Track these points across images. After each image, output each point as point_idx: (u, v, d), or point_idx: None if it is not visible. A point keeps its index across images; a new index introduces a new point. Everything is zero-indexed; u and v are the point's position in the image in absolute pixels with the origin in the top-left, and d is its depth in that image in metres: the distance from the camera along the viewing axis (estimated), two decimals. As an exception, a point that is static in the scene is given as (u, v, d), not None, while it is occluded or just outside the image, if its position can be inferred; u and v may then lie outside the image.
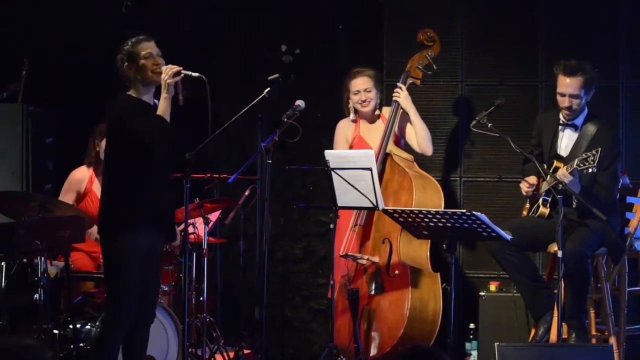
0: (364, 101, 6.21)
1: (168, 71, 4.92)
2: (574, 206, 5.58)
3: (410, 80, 6.24)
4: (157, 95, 5.08)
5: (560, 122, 5.80)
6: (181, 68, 4.95)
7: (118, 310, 5.01)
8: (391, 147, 6.11)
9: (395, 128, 6.17)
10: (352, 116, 6.29)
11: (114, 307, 5.04)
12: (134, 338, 5.15)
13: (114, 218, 5.02)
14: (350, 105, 6.28)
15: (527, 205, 5.91)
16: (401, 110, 6.16)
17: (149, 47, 5.00)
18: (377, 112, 6.25)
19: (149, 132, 4.90)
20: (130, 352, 5.16)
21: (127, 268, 4.97)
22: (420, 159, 6.24)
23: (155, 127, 4.91)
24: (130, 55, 4.99)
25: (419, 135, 6.13)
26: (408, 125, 6.20)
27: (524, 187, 5.80)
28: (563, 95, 5.70)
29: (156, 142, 4.92)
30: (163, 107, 4.94)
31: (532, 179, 5.78)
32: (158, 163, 4.98)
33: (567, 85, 5.67)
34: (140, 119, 4.92)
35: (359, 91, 6.21)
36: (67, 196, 6.24)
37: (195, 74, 4.95)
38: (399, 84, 6.19)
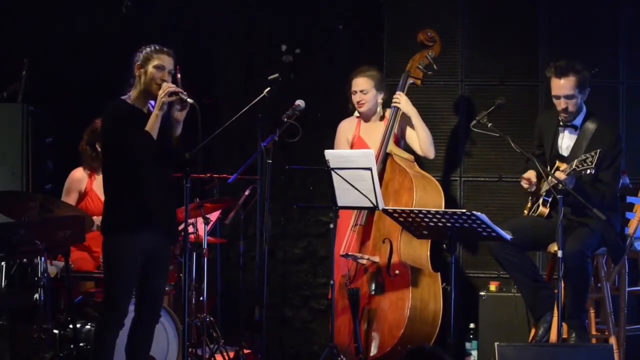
0: (359, 102, 6.20)
1: (165, 88, 4.96)
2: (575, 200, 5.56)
3: (410, 80, 6.24)
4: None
5: (560, 123, 5.79)
6: (180, 90, 4.96)
7: (111, 310, 5.07)
8: (392, 147, 6.11)
9: (395, 130, 6.17)
10: (356, 113, 6.28)
11: (108, 307, 5.09)
12: (137, 338, 5.17)
13: (107, 222, 5.12)
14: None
15: (529, 205, 5.91)
16: (401, 112, 6.15)
17: (164, 61, 5.05)
18: (378, 112, 6.23)
19: (133, 144, 4.97)
20: (133, 352, 5.17)
21: (120, 270, 5.04)
22: (420, 159, 6.24)
23: (140, 142, 4.97)
24: (145, 57, 5.06)
25: (421, 138, 6.12)
26: (408, 128, 6.19)
27: (523, 184, 5.80)
28: (558, 97, 5.68)
29: (139, 154, 4.98)
30: (152, 123, 4.98)
31: (529, 174, 5.77)
32: (145, 169, 5.03)
33: (561, 86, 5.65)
34: (127, 129, 4.97)
35: (355, 91, 6.21)
36: (69, 197, 6.25)
37: (190, 100, 4.95)
38: (397, 92, 6.18)
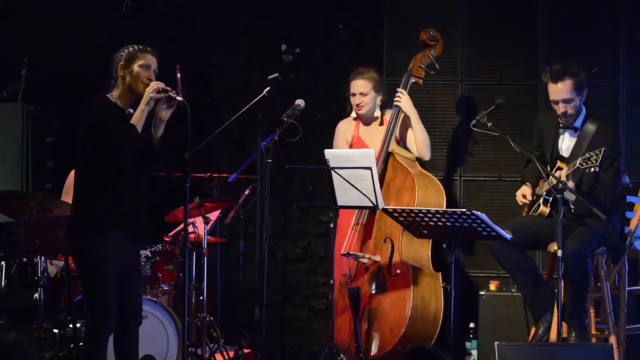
0: (358, 104, 6.19)
1: (154, 85, 4.90)
2: (572, 211, 5.58)
3: (412, 80, 6.23)
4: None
5: (560, 125, 5.79)
6: (169, 88, 4.91)
7: (102, 317, 4.94)
8: (393, 146, 6.11)
9: (397, 132, 6.16)
10: (353, 114, 6.28)
11: (98, 314, 4.96)
12: (124, 341, 5.08)
13: (84, 223, 4.96)
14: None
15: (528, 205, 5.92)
16: (402, 114, 6.14)
17: (149, 60, 4.99)
18: (376, 114, 6.22)
19: (119, 136, 4.87)
20: (122, 354, 5.10)
21: (106, 274, 4.91)
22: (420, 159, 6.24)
23: (125, 134, 4.88)
24: (129, 57, 4.98)
25: (417, 140, 6.12)
26: (409, 130, 6.18)
27: (518, 199, 5.81)
28: (556, 102, 5.67)
29: (122, 148, 4.89)
30: (137, 117, 4.91)
31: (526, 191, 5.78)
32: (125, 167, 4.93)
33: (559, 91, 5.63)
34: (112, 122, 4.88)
35: (355, 94, 6.20)
36: (69, 196, 6.24)
37: (179, 98, 4.89)
38: (399, 89, 6.17)
